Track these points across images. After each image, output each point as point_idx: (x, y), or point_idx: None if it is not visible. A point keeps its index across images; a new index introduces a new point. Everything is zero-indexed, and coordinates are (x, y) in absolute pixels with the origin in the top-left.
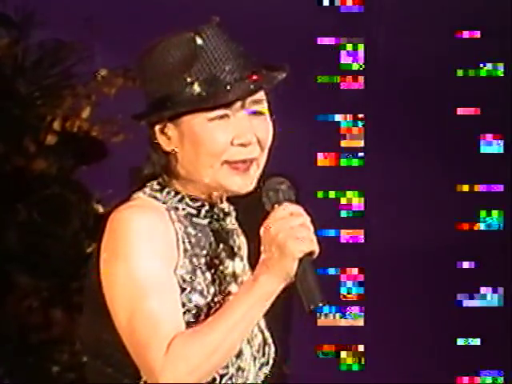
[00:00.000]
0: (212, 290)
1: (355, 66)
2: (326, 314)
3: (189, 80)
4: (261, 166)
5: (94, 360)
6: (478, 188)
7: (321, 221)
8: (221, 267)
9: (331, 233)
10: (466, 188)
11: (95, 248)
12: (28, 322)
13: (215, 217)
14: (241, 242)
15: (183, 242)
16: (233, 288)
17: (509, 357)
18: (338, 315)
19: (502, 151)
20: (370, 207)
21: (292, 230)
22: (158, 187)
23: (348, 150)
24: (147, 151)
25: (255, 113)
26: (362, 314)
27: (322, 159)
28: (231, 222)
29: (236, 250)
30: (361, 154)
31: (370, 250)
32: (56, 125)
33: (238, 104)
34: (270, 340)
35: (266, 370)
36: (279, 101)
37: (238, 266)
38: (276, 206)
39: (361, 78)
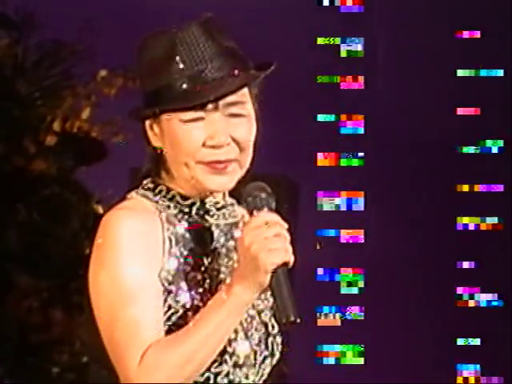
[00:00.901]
0: (201, 289)
1: (360, 53)
2: (326, 314)
3: (170, 78)
4: (244, 166)
5: (92, 361)
6: (478, 188)
7: (321, 221)
8: (211, 265)
9: (331, 233)
10: (466, 188)
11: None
12: (28, 322)
13: (209, 213)
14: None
15: (171, 243)
16: (195, 289)
17: (509, 357)
18: (337, 315)
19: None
20: (370, 207)
21: (265, 241)
22: (151, 185)
23: (348, 151)
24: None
25: (233, 115)
26: (362, 313)
27: (321, 159)
28: (230, 216)
29: (230, 245)
30: (361, 154)
31: (370, 250)
32: (56, 125)
33: (212, 106)
34: (274, 331)
35: (273, 361)
36: (279, 101)
37: (231, 264)
38: (254, 212)
39: (361, 78)
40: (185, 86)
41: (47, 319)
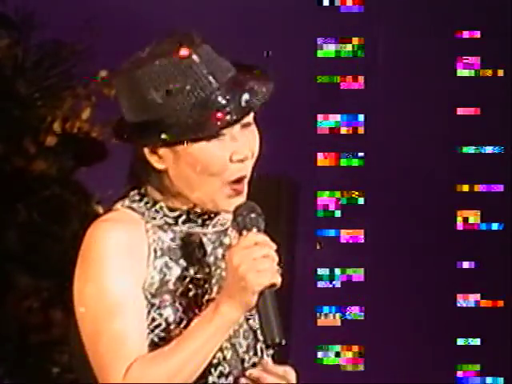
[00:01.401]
0: (185, 301)
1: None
2: (325, 314)
3: (181, 105)
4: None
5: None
6: (478, 188)
7: (321, 221)
8: (197, 276)
9: (331, 233)
10: (466, 188)
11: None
12: (28, 323)
13: (196, 222)
14: (232, 241)
15: (155, 255)
16: (212, 297)
17: (509, 357)
18: (337, 315)
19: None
20: (370, 207)
21: (254, 262)
22: (137, 197)
23: (348, 150)
24: (131, 165)
25: (245, 125)
26: (362, 313)
27: (321, 159)
28: (218, 223)
29: (219, 253)
30: (361, 154)
31: (370, 250)
32: (56, 126)
33: (239, 122)
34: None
35: None
36: (279, 101)
37: (219, 272)
38: (243, 232)
39: (361, 78)
40: (200, 112)
41: (47, 319)
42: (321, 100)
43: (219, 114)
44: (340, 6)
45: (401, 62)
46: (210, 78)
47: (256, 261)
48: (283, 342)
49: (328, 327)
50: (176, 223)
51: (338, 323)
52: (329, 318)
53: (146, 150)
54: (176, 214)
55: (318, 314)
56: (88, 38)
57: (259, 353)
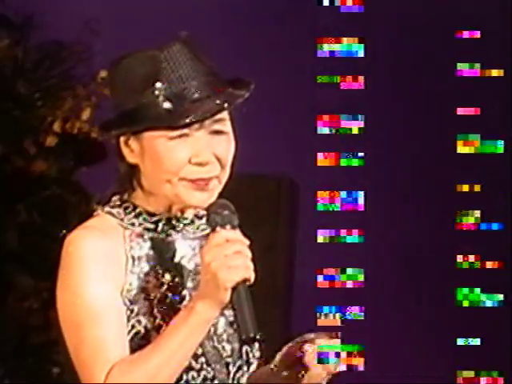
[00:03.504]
0: (163, 308)
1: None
2: (326, 314)
3: (153, 96)
4: (222, 182)
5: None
6: (478, 188)
7: (321, 221)
8: (175, 282)
9: (331, 233)
10: (466, 188)
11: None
12: (28, 323)
13: (175, 228)
14: None
15: (134, 262)
16: (156, 307)
17: (509, 357)
18: (337, 315)
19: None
20: (370, 207)
21: (225, 259)
22: (118, 202)
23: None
24: (117, 169)
25: (215, 132)
26: (362, 313)
27: (321, 159)
28: (199, 229)
29: (198, 259)
30: (361, 154)
31: (370, 249)
32: (56, 126)
33: (197, 124)
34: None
35: (249, 368)
36: (279, 101)
37: (198, 279)
38: (217, 229)
39: (361, 78)
40: (168, 105)
41: (47, 320)
42: (321, 100)
43: (189, 109)
44: (340, 5)
45: (401, 62)
46: (188, 73)
47: (227, 257)
48: (258, 337)
49: (328, 327)
50: (155, 229)
51: (338, 323)
52: (329, 317)
53: (121, 143)
54: (155, 218)
55: (317, 314)
56: (88, 38)
57: (244, 356)
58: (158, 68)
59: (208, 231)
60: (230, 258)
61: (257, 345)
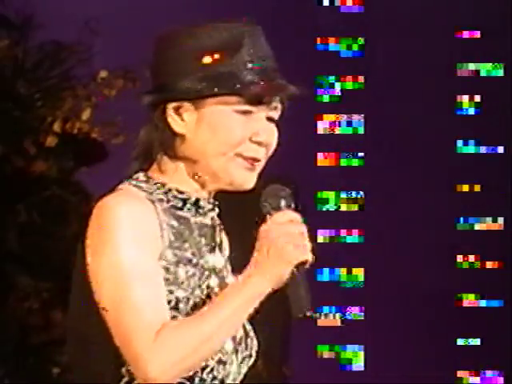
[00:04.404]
0: (192, 283)
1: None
2: (326, 314)
3: (235, 66)
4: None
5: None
6: (478, 188)
7: (321, 221)
8: (201, 261)
9: (331, 233)
10: (466, 188)
11: (82, 236)
12: (28, 323)
13: (200, 211)
14: (223, 237)
15: (167, 234)
16: (212, 282)
17: (509, 357)
18: (337, 315)
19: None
20: (370, 207)
21: (291, 237)
22: (144, 178)
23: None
24: (144, 132)
25: (270, 118)
26: (362, 313)
27: (321, 159)
28: (213, 218)
29: (218, 244)
30: (361, 154)
31: (369, 249)
32: (56, 126)
33: (264, 104)
34: (251, 333)
35: (249, 362)
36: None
37: (219, 260)
38: (277, 211)
39: (361, 78)
40: (250, 77)
41: (47, 320)
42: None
43: (269, 86)
44: (340, 5)
45: (401, 62)
46: (266, 53)
47: (293, 236)
48: (315, 315)
49: (328, 327)
50: (182, 208)
51: (338, 323)
52: (329, 317)
53: (171, 110)
54: (184, 196)
55: (318, 314)
56: (88, 39)
57: (248, 348)
58: (241, 41)
59: (218, 222)
60: (295, 236)
61: (255, 341)
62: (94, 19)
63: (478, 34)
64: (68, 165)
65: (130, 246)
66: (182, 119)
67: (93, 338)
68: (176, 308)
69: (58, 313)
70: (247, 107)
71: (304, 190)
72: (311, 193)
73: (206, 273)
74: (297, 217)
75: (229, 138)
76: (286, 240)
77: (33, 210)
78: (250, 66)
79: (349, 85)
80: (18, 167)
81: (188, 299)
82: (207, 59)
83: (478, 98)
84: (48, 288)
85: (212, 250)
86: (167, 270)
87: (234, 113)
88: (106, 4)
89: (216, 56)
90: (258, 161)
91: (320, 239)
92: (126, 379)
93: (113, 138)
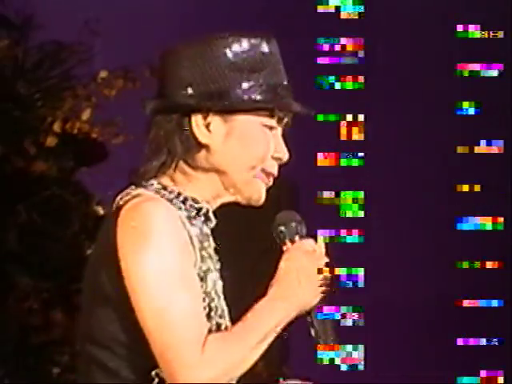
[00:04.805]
0: (214, 291)
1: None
2: (326, 314)
3: (257, 82)
4: None
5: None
6: (478, 188)
7: (321, 221)
8: (209, 269)
9: (331, 233)
10: (466, 188)
11: (100, 244)
12: (28, 323)
13: (207, 221)
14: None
15: (195, 243)
16: (212, 290)
17: (509, 356)
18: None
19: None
20: (370, 207)
21: (318, 277)
22: (159, 186)
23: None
24: (162, 141)
25: (282, 135)
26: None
27: (321, 159)
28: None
29: (212, 255)
30: (361, 154)
31: (369, 250)
32: (56, 126)
33: (283, 121)
34: None
35: None
36: None
37: (218, 269)
38: (296, 239)
39: (361, 78)
40: (284, 92)
41: (47, 320)
42: (321, 100)
43: (289, 103)
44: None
45: (401, 62)
46: (282, 71)
47: (318, 269)
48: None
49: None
50: (196, 217)
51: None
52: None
53: (198, 121)
54: (198, 206)
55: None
56: (88, 39)
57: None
58: (263, 57)
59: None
60: (317, 278)
61: None
62: (94, 19)
63: (477, 34)
64: (68, 165)
65: (175, 252)
66: (209, 130)
67: (110, 342)
68: (209, 317)
69: (58, 313)
70: (273, 122)
71: (304, 190)
72: (311, 193)
73: (211, 281)
74: (320, 248)
75: (260, 152)
76: (316, 272)
77: (33, 210)
78: (268, 82)
79: (349, 85)
80: (18, 167)
81: (217, 308)
82: (228, 74)
83: (477, 99)
84: (48, 288)
85: (215, 258)
86: (201, 278)
87: (263, 127)
88: (105, 4)
89: (241, 71)
90: (273, 176)
91: (320, 239)
92: (156, 381)
93: (113, 138)
